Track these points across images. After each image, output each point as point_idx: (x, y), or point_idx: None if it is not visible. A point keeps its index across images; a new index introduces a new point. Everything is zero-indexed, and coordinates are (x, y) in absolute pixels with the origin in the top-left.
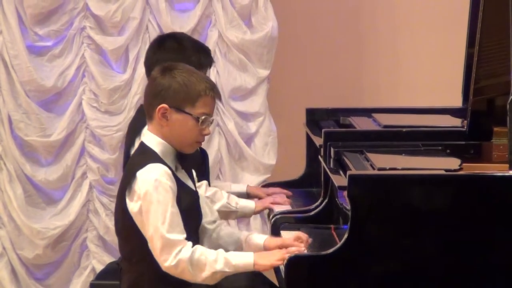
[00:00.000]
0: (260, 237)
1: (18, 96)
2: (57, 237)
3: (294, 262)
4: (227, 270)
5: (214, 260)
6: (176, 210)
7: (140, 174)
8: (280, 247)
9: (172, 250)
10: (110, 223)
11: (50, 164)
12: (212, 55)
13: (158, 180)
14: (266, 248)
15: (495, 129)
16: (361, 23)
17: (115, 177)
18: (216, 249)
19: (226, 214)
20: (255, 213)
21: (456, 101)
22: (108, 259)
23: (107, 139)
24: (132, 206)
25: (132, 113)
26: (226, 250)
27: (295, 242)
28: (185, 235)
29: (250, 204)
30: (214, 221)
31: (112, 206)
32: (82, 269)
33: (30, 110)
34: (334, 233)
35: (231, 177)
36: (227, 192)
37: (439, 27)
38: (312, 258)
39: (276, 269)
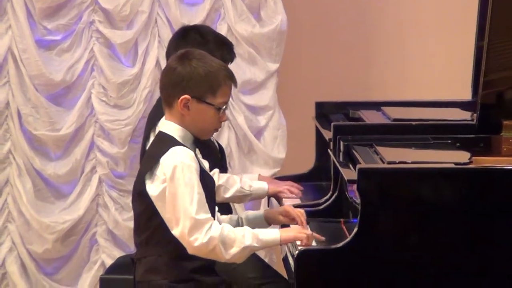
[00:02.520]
0: (258, 211)
1: (27, 90)
2: (66, 232)
3: (304, 255)
4: (255, 245)
5: (242, 236)
6: (201, 190)
7: (164, 159)
8: (282, 213)
9: (201, 228)
10: (120, 217)
11: (59, 158)
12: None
13: (183, 162)
14: (268, 217)
15: (505, 122)
16: (370, 17)
17: (124, 171)
18: None
19: (240, 198)
20: (269, 194)
21: (466, 95)
22: (117, 253)
23: (116, 133)
24: (153, 190)
25: (141, 107)
26: None
27: (293, 211)
28: (210, 214)
29: (263, 185)
30: None
31: (122, 200)
32: (92, 264)
33: (39, 104)
34: (344, 227)
35: (240, 171)
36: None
37: (448, 20)
38: (322, 252)
39: (286, 262)
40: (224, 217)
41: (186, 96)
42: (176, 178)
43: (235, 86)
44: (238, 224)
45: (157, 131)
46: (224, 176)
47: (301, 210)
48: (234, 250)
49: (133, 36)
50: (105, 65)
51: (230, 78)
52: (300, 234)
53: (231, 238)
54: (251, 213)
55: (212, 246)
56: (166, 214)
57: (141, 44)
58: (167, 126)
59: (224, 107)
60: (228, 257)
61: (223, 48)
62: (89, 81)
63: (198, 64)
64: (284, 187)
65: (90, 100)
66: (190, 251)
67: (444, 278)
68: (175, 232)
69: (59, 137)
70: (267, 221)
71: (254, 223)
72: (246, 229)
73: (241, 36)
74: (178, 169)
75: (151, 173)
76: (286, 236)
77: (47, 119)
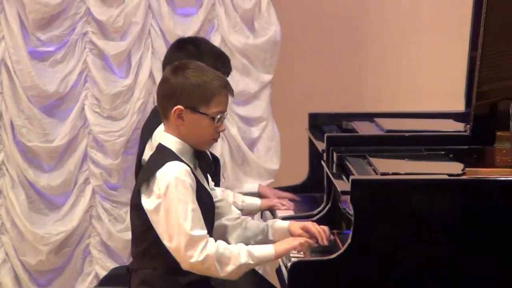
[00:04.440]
0: (284, 222)
1: (20, 102)
2: (60, 243)
3: (297, 267)
4: (251, 262)
5: (238, 254)
6: (196, 206)
7: (160, 173)
8: (303, 228)
9: (197, 246)
10: (113, 229)
11: (53, 169)
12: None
13: (177, 177)
14: (290, 230)
15: (498, 133)
16: (363, 28)
17: (118, 182)
18: (245, 242)
19: None
20: (261, 209)
21: (459, 106)
22: (111, 264)
23: (110, 144)
24: (148, 204)
25: (135, 118)
26: (255, 241)
27: (314, 227)
28: (206, 231)
29: (255, 201)
30: (238, 217)
31: (115, 212)
32: (85, 275)
33: (33, 116)
34: (337, 238)
35: (235, 182)
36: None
37: (441, 31)
38: (315, 263)
39: (279, 274)
40: (253, 222)
41: (179, 106)
42: (170, 193)
43: (232, 95)
44: (264, 231)
45: (153, 142)
46: (217, 190)
47: (324, 227)
48: (229, 268)
49: (127, 47)
50: (99, 76)
51: (225, 87)
52: (293, 244)
53: (226, 256)
54: (279, 222)
55: (208, 264)
56: (160, 229)
57: (134, 55)
58: (166, 138)
59: (218, 116)
60: (223, 275)
61: (218, 61)
62: (82, 93)
63: (191, 74)
64: (276, 200)
65: (83, 111)
66: (184, 267)
67: None
68: (170, 248)
69: (52, 149)
70: (290, 233)
71: (280, 233)
72: (241, 246)
73: (234, 47)
74: (172, 184)
75: (147, 186)
76: (280, 250)
77: (40, 130)
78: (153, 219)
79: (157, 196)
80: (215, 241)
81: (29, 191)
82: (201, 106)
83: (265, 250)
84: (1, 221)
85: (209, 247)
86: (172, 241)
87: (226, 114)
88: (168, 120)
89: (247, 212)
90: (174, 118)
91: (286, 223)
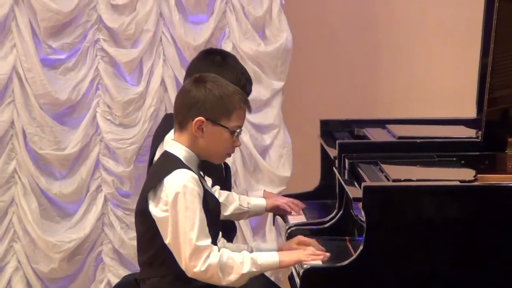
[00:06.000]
0: (269, 244)
1: (32, 110)
2: (72, 251)
3: (309, 274)
4: (254, 270)
5: (241, 263)
6: (203, 215)
7: (168, 180)
8: (298, 243)
9: (200, 256)
10: (125, 236)
11: (65, 177)
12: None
13: (185, 185)
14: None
15: (510, 139)
16: (375, 34)
17: (130, 190)
18: None
19: (239, 215)
20: (267, 210)
21: (471, 112)
22: (123, 272)
23: (122, 152)
24: (156, 211)
25: (146, 126)
26: None
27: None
28: (210, 240)
29: (261, 202)
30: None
31: (127, 219)
32: (98, 283)
33: (44, 123)
34: (349, 245)
35: (246, 189)
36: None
37: (453, 37)
38: (327, 270)
39: (292, 281)
40: (231, 245)
41: (201, 118)
42: (178, 202)
43: (249, 111)
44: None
45: (164, 146)
46: (224, 193)
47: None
48: (232, 277)
49: (138, 55)
50: (110, 83)
51: (245, 102)
52: (300, 257)
53: (229, 266)
54: (264, 246)
55: (210, 274)
56: (166, 236)
57: (146, 62)
58: (173, 146)
59: (238, 131)
60: (225, 283)
61: (241, 78)
62: (94, 100)
63: (213, 86)
64: (283, 201)
65: (95, 119)
66: (188, 275)
67: None
68: (176, 256)
69: (64, 156)
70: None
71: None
72: (245, 254)
73: (246, 55)
74: (181, 193)
75: (154, 193)
76: (286, 261)
77: (52, 138)
78: (161, 226)
79: (164, 203)
80: (219, 249)
81: (41, 199)
82: (222, 119)
83: (269, 258)
84: (14, 229)
85: (212, 257)
86: (179, 249)
87: (242, 130)
88: (185, 130)
89: (254, 213)
90: (194, 129)
91: (273, 244)
